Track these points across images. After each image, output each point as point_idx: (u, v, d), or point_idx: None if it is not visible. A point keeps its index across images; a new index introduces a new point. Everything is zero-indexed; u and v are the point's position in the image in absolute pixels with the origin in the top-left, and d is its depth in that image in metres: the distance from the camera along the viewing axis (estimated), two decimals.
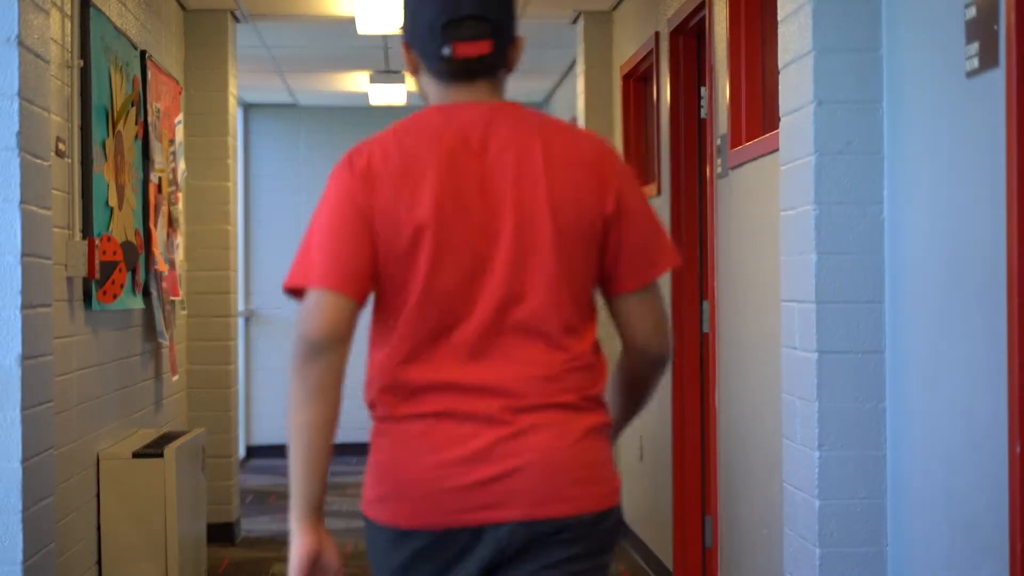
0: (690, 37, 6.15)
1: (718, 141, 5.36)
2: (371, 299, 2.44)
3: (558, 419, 2.38)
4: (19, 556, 3.52)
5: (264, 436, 11.78)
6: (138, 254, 5.96)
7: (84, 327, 5.19)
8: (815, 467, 3.49)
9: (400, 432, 2.39)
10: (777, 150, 4.14)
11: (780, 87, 3.77)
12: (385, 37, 8.53)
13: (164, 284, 6.47)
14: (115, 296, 5.50)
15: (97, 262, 5.22)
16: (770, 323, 4.51)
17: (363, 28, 7.72)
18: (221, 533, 7.59)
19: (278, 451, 11.63)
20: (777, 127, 3.97)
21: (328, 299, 2.33)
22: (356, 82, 10.47)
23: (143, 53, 6.22)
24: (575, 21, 8.13)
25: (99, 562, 5.44)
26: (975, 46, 2.92)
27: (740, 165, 5.03)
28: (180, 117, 7.12)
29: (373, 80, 9.97)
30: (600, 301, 2.53)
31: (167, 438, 6.05)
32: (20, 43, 3.54)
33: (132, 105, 5.93)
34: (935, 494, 3.20)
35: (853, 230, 3.49)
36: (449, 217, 2.36)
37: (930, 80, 3.23)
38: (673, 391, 6.26)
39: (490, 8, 2.42)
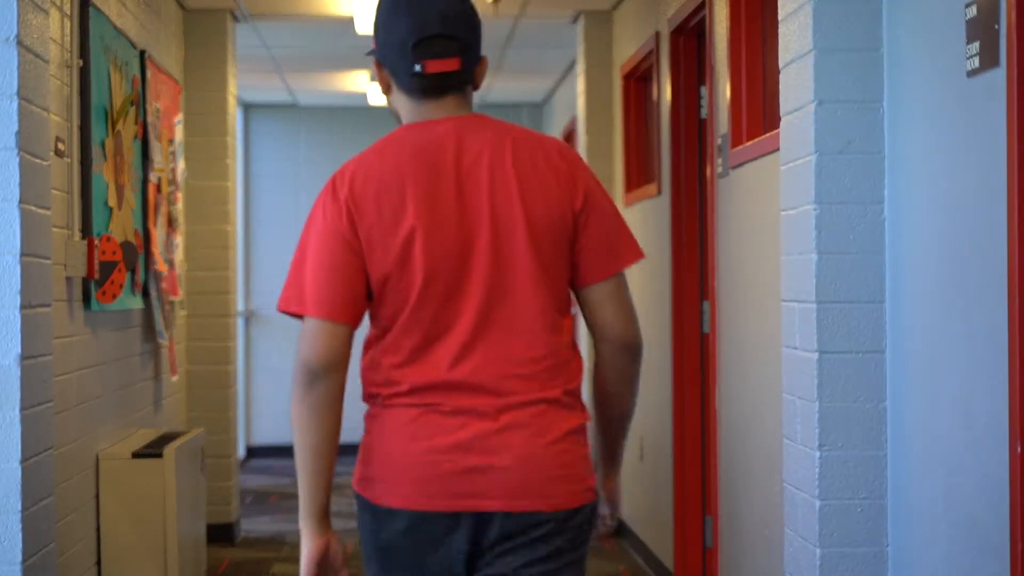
0: (690, 37, 6.14)
1: (718, 141, 5.36)
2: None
3: (540, 416, 2.55)
4: (18, 556, 3.52)
5: (264, 436, 11.77)
6: (137, 254, 5.95)
7: (83, 327, 5.18)
8: (815, 467, 3.49)
9: (391, 417, 2.57)
10: (777, 150, 4.14)
11: (780, 87, 3.77)
12: None
13: (163, 284, 6.47)
14: (114, 296, 5.50)
15: (96, 262, 5.21)
16: (770, 323, 4.51)
17: (362, 28, 7.72)
18: (221, 533, 7.59)
19: (278, 451, 11.63)
20: (777, 127, 3.97)
21: (323, 327, 2.53)
22: (356, 82, 10.47)
23: (142, 53, 6.22)
24: (575, 21, 8.12)
25: (99, 562, 5.44)
26: (976, 45, 2.92)
27: (740, 165, 5.03)
28: (180, 117, 7.12)
29: (373, 80, 9.97)
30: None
31: (167, 438, 6.05)
32: (19, 43, 3.53)
33: (131, 105, 5.93)
34: (935, 494, 3.20)
35: (854, 230, 3.48)
36: (430, 229, 2.53)
37: (931, 80, 3.22)
38: (673, 391, 6.26)
39: (457, 28, 2.60)
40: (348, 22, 7.91)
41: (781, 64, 3.75)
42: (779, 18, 3.76)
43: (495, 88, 10.85)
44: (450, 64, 2.60)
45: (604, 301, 2.62)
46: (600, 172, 7.86)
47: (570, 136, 10.14)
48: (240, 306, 11.12)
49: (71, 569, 4.95)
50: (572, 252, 2.60)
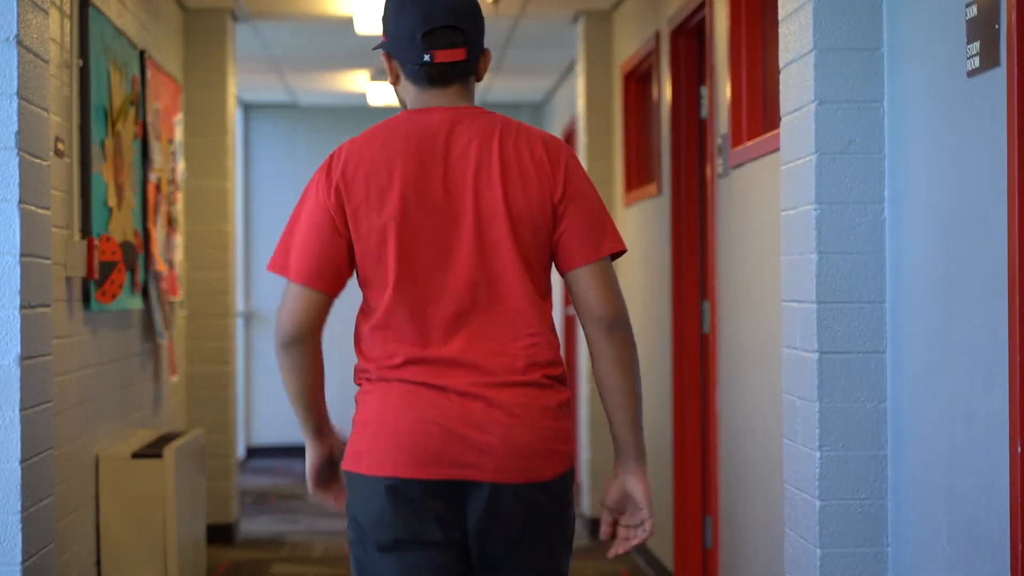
0: (690, 37, 6.14)
1: (719, 141, 5.36)
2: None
3: (525, 396, 2.71)
4: (18, 557, 3.52)
5: (264, 436, 11.77)
6: (137, 254, 5.95)
7: (83, 327, 5.18)
8: (816, 467, 3.49)
9: (380, 391, 2.73)
10: (778, 150, 4.14)
11: (781, 86, 3.76)
12: None
13: (163, 284, 6.46)
14: (114, 296, 5.49)
15: (96, 262, 5.21)
16: (770, 323, 4.51)
17: (361, 28, 7.72)
18: (220, 534, 7.58)
19: (278, 452, 11.63)
20: (778, 126, 3.96)
21: (303, 292, 2.74)
22: (356, 82, 10.47)
23: (142, 53, 6.22)
24: (575, 21, 8.12)
25: (98, 563, 5.44)
26: (976, 45, 2.92)
27: (740, 165, 5.03)
28: (179, 117, 7.12)
29: (373, 79, 9.97)
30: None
31: (166, 439, 6.05)
32: (19, 43, 3.53)
33: (131, 105, 5.92)
34: (935, 494, 3.20)
35: (854, 230, 3.48)
36: (415, 212, 2.71)
37: (931, 79, 3.22)
38: (673, 391, 6.26)
39: (464, 20, 2.77)
40: (348, 22, 7.90)
41: (781, 64, 3.75)
42: (779, 18, 3.76)
43: (495, 88, 10.85)
44: (457, 54, 2.77)
45: (586, 284, 2.76)
46: (600, 172, 7.86)
47: (570, 136, 10.14)
48: (240, 306, 11.11)
49: (71, 569, 4.95)
50: (552, 239, 2.76)
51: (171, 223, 6.77)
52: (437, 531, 2.69)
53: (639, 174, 7.39)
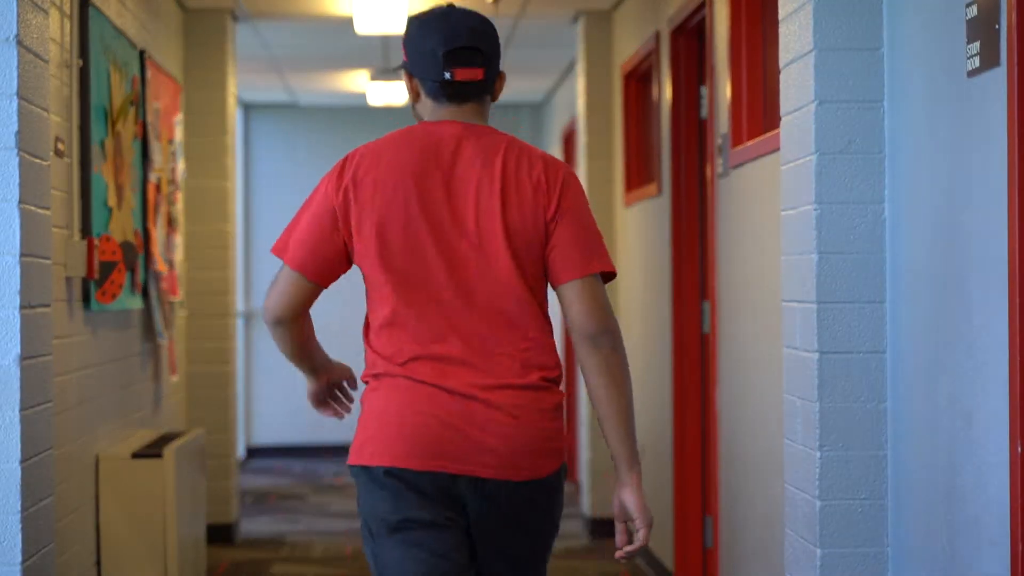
0: (690, 37, 6.14)
1: (718, 141, 5.36)
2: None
3: (524, 398, 2.85)
4: (18, 557, 3.52)
5: (264, 436, 11.76)
6: (137, 254, 5.95)
7: (83, 327, 5.18)
8: (816, 467, 3.49)
9: (390, 385, 2.86)
10: (778, 149, 4.14)
11: (781, 86, 3.76)
12: (384, 37, 8.52)
13: (163, 284, 6.46)
14: (114, 296, 5.49)
15: (96, 262, 5.21)
16: (770, 323, 4.51)
17: (361, 28, 7.72)
18: (220, 534, 7.58)
19: (278, 452, 11.63)
20: (778, 126, 3.96)
21: (294, 277, 2.92)
22: (355, 82, 10.46)
23: (142, 53, 6.22)
24: (575, 21, 8.12)
25: (98, 563, 5.43)
26: (976, 45, 2.92)
27: (741, 165, 5.03)
28: (179, 117, 7.12)
29: (373, 79, 9.97)
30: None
31: (166, 439, 6.04)
32: (19, 43, 3.53)
33: (131, 105, 5.92)
34: (935, 494, 3.20)
35: (854, 230, 3.48)
36: (419, 219, 2.85)
37: (931, 79, 3.22)
38: (673, 391, 6.26)
39: (483, 42, 2.94)
40: (348, 22, 7.90)
41: (781, 64, 3.75)
42: (779, 18, 3.76)
43: None
44: (475, 73, 2.93)
45: (573, 299, 2.87)
46: (600, 172, 7.86)
47: (570, 136, 10.14)
48: (240, 306, 11.11)
49: (71, 570, 4.95)
50: (544, 254, 2.89)
51: (171, 223, 6.77)
52: (441, 514, 2.83)
53: (639, 174, 7.39)
